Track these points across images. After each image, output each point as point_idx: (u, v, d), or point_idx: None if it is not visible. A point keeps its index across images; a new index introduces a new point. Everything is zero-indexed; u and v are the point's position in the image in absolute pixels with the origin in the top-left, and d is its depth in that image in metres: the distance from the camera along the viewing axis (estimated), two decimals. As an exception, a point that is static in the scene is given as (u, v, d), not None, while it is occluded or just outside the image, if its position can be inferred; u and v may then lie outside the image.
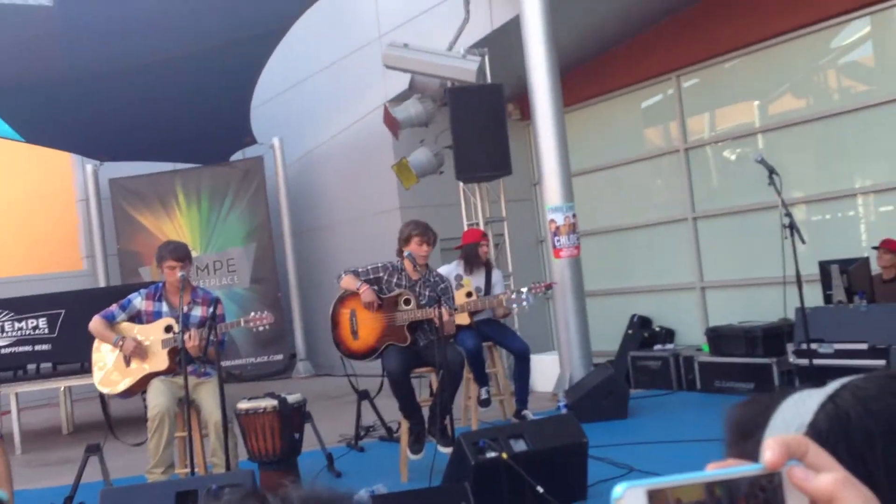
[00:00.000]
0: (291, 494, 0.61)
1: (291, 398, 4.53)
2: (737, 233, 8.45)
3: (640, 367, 7.64)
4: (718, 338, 6.92)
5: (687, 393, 7.05)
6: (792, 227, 5.33)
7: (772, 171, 5.41)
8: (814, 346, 5.74)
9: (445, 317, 4.76)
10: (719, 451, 0.67)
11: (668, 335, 8.75)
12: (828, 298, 6.48)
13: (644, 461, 4.81)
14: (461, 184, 8.22)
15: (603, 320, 8.84)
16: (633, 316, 9.11)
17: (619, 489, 0.52)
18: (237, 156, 11.97)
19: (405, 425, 5.07)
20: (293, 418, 4.48)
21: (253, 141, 11.28)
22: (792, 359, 6.24)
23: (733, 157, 8.68)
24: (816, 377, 5.57)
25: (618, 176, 9.65)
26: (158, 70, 8.97)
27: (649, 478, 0.54)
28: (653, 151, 9.36)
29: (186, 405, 4.62)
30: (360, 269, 5.20)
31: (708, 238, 8.74)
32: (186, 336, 4.53)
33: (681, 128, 8.86)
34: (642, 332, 8.86)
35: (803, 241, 5.48)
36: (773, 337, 6.58)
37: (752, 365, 6.54)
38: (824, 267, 6.57)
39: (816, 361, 5.71)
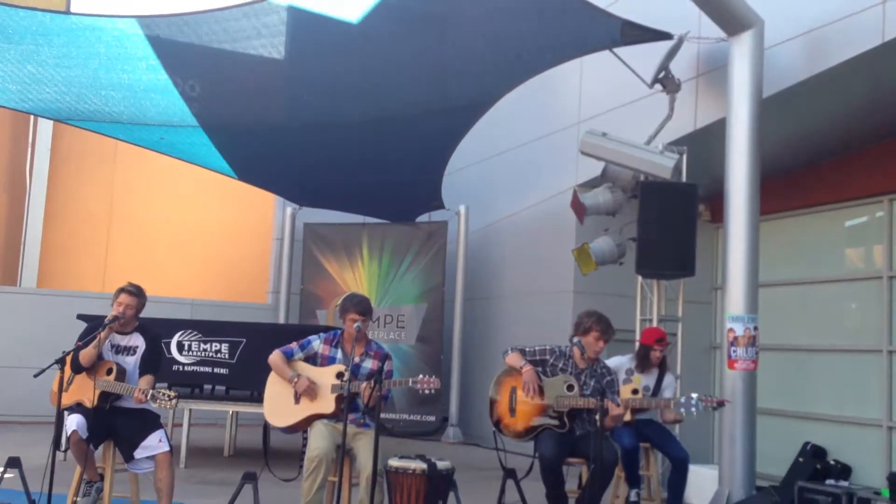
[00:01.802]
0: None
1: (441, 464, 4.56)
2: (937, 374, 7.76)
3: (808, 500, 7.08)
4: (902, 486, 6.32)
5: (858, 539, 6.47)
6: None
7: None
8: None
9: (611, 410, 4.69)
10: None
11: (843, 471, 8.09)
12: None
13: None
14: (640, 278, 8.08)
15: (771, 442, 8.31)
16: (807, 444, 8.51)
17: None
18: (423, 217, 12.39)
19: (549, 513, 4.97)
20: (440, 485, 4.50)
21: (441, 206, 11.65)
22: None
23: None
24: None
25: (808, 294, 9.15)
26: (368, 128, 9.53)
27: None
28: (851, 274, 8.82)
29: (342, 452, 4.76)
30: (527, 349, 5.21)
31: (902, 375, 8.07)
32: (363, 386, 4.70)
33: (887, 253, 8.31)
34: (815, 462, 8.25)
35: None
36: (967, 497, 5.93)
37: (938, 523, 5.92)
38: None
39: None
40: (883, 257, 8.37)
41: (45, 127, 13.84)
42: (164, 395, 4.90)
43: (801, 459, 8.42)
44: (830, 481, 7.44)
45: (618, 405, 4.91)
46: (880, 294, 8.32)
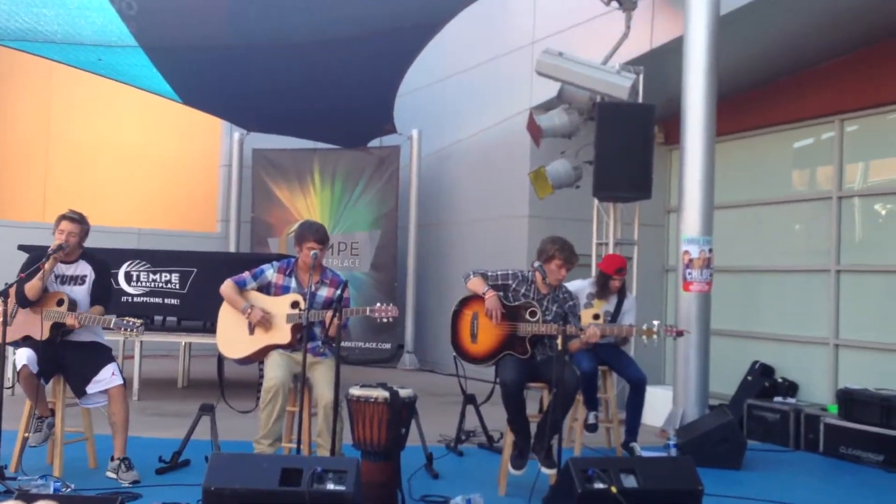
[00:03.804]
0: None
1: (403, 392, 4.51)
2: (884, 293, 7.93)
3: (757, 417, 7.27)
4: (851, 401, 6.49)
5: (808, 454, 6.64)
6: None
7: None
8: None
9: (589, 336, 4.73)
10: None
11: (790, 388, 8.31)
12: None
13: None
14: (596, 201, 8.05)
15: (722, 362, 8.47)
16: (756, 363, 8.71)
17: None
18: (375, 143, 12.15)
19: (510, 438, 4.97)
20: (402, 413, 4.46)
21: (392, 130, 11.42)
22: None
23: (884, 213, 8.16)
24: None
25: (759, 215, 9.24)
26: (315, 49, 9.19)
27: None
28: (801, 195, 8.90)
29: (302, 382, 4.68)
30: (489, 273, 5.13)
31: (850, 293, 8.24)
32: (328, 315, 4.62)
33: (837, 174, 8.38)
34: (763, 380, 8.46)
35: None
36: (913, 410, 6.12)
37: (887, 437, 6.10)
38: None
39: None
40: (832, 178, 8.44)
41: (-25, 49, 13.11)
42: (129, 322, 4.74)
43: (749, 378, 8.62)
44: (778, 398, 7.63)
45: (580, 329, 4.89)
46: (829, 214, 8.43)
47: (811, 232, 8.78)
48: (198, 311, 8.06)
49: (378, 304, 4.79)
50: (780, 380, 8.46)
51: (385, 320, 4.80)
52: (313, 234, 4.98)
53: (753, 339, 9.06)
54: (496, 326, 4.97)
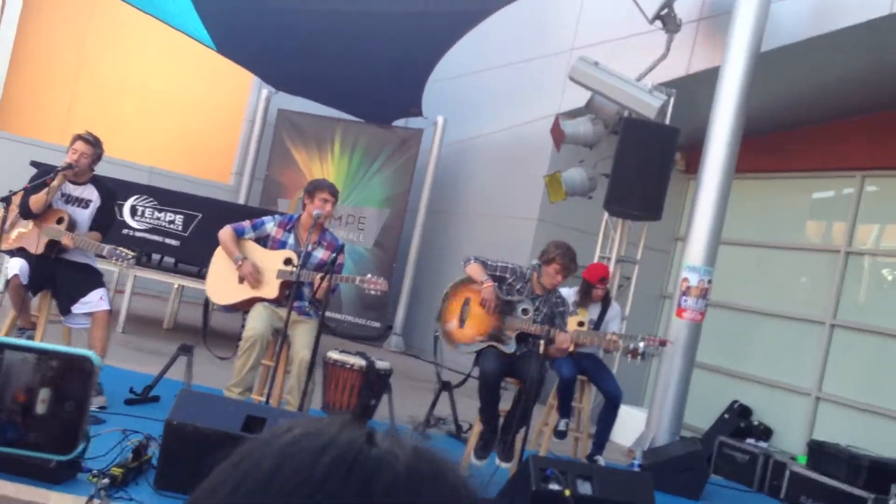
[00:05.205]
0: (404, 442, 0.55)
1: (380, 364, 4.54)
2: (874, 354, 7.92)
3: (726, 455, 7.28)
4: (821, 453, 6.49)
5: (768, 498, 6.66)
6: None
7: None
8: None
9: (558, 342, 4.71)
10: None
11: (764, 432, 8.32)
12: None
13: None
14: (606, 215, 8.05)
15: (703, 395, 8.47)
16: (735, 402, 8.71)
17: None
18: (399, 122, 12.16)
19: (477, 428, 5.00)
20: (376, 384, 4.49)
21: (419, 113, 11.42)
22: (893, 501, 5.79)
23: (890, 278, 8.14)
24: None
25: (766, 257, 9.23)
26: (358, 20, 9.21)
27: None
28: (810, 244, 8.89)
29: (282, 337, 4.71)
30: (489, 262, 5.15)
31: (840, 349, 8.23)
32: (316, 277, 4.63)
33: (849, 230, 8.36)
34: (739, 420, 8.46)
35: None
36: (880, 472, 6.11)
37: (848, 494, 6.10)
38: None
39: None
40: (844, 233, 8.42)
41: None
42: (122, 252, 4.74)
43: (726, 416, 8.62)
44: (751, 441, 7.64)
45: (566, 333, 4.91)
46: (834, 268, 8.41)
47: (814, 283, 8.77)
48: (196, 256, 8.08)
49: (369, 276, 4.82)
50: (756, 422, 8.46)
51: (374, 292, 4.83)
52: (327, 186, 5.01)
53: (737, 379, 9.05)
54: (487, 316, 4.99)
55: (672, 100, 7.61)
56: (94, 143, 5.04)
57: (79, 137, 5.02)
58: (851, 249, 8.34)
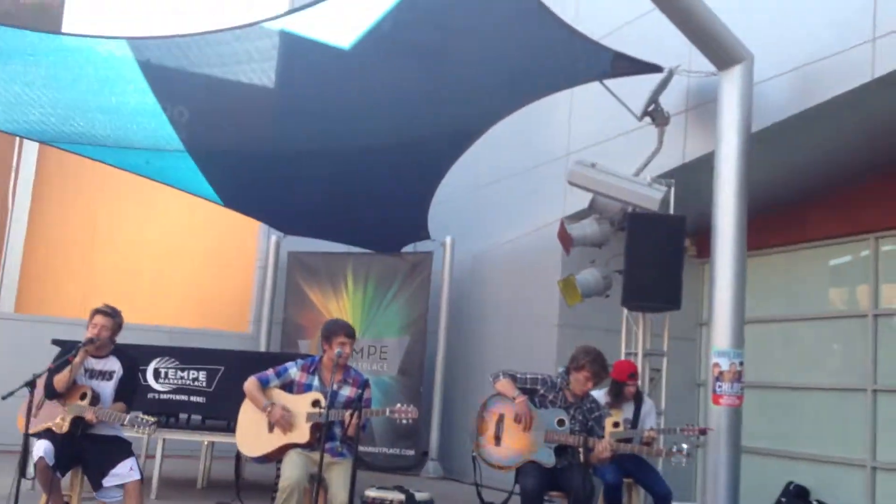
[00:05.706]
0: None
1: (420, 496, 4.44)
2: (923, 415, 7.69)
3: (793, 542, 6.97)
4: (889, 527, 6.21)
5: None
6: None
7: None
8: None
9: (597, 452, 4.62)
10: None
11: (827, 511, 8.01)
12: None
13: None
14: (625, 311, 8.01)
15: (755, 480, 8.19)
16: (790, 483, 8.41)
17: None
18: (408, 248, 12.29)
19: (527, 547, 4.83)
20: (418, 518, 4.37)
21: (427, 236, 11.56)
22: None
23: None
24: None
25: (795, 331, 9.10)
26: (357, 156, 9.44)
27: None
28: (837, 312, 8.78)
29: (317, 482, 4.63)
30: (518, 375, 5.11)
31: (887, 414, 7.99)
32: (346, 414, 4.59)
33: (873, 292, 8.27)
34: (798, 502, 8.15)
35: None
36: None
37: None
38: None
39: None
40: (868, 296, 8.33)
41: (30, 149, 13.70)
42: (142, 419, 4.76)
43: (783, 500, 8.31)
44: (815, 522, 7.34)
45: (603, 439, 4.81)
46: (865, 333, 8.28)
47: (847, 350, 8.61)
48: (223, 410, 8.02)
49: (398, 405, 4.78)
50: (815, 502, 8.15)
51: (405, 421, 4.77)
52: (343, 328, 5.05)
53: (788, 459, 8.77)
54: (522, 431, 4.90)
55: (672, 189, 7.70)
56: (112, 314, 5.12)
57: (98, 311, 5.10)
58: (879, 312, 8.23)
